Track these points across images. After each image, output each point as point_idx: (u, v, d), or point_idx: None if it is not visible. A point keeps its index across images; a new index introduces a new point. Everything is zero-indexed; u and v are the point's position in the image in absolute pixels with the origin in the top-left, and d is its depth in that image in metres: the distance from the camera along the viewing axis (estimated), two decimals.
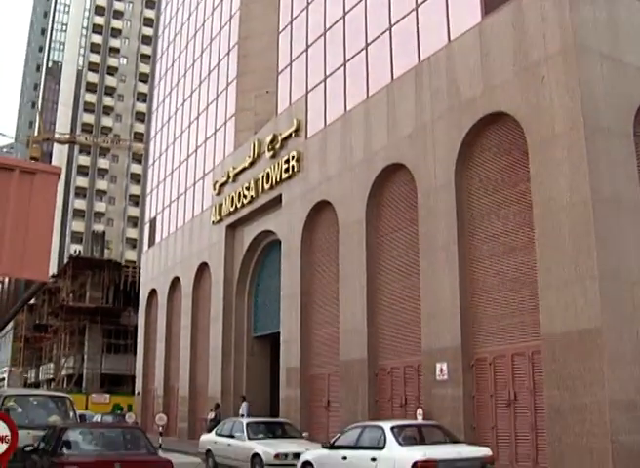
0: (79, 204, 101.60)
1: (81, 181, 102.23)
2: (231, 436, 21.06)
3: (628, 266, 16.52)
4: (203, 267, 39.02)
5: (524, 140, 18.58)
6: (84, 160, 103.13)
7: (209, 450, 22.18)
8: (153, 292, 47.21)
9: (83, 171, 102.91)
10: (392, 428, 14.85)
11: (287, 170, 30.02)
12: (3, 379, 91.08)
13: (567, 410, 16.12)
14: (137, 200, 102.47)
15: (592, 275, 16.01)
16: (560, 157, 17.21)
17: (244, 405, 32.62)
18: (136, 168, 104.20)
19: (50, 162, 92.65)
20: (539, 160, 17.86)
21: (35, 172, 9.81)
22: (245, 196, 33.82)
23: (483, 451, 14.67)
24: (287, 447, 19.40)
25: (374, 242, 24.48)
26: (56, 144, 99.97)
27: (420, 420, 19.60)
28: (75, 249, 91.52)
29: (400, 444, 14.34)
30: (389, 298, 23.53)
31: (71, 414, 18.19)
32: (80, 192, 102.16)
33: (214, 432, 22.88)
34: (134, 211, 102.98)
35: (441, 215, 20.96)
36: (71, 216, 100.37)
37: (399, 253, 23.35)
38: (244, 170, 34.54)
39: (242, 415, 31.56)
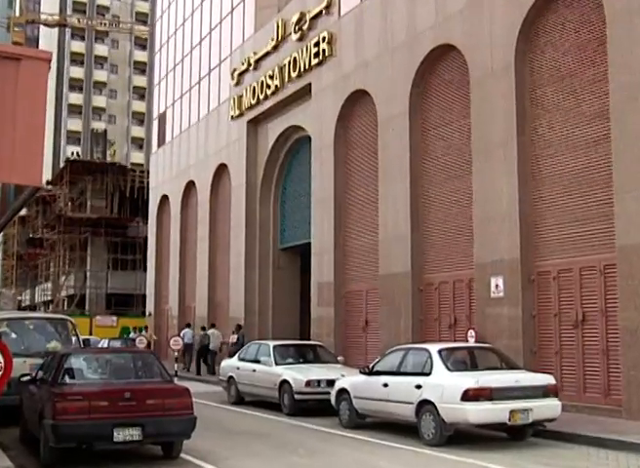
0: (75, 98, 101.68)
1: (76, 72, 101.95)
2: (256, 361, 21.39)
3: None
4: (221, 169, 39.12)
5: (601, 13, 18.02)
6: (78, 46, 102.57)
7: (231, 377, 22.60)
8: (164, 200, 47.60)
9: (77, 59, 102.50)
10: (440, 351, 15.00)
11: (317, 54, 29.61)
12: None
13: None
14: (142, 93, 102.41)
15: None
16: None
17: (187, 331, 36.21)
18: (139, 55, 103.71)
19: (37, 48, 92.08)
20: (618, 36, 17.31)
21: (20, 58, 9.65)
22: (268, 86, 33.52)
23: (545, 380, 14.80)
24: (320, 373, 19.67)
25: (418, 138, 24.26)
26: (42, 27, 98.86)
27: (471, 343, 19.80)
28: (72, 151, 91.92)
29: (449, 369, 14.50)
30: (437, 203, 23.46)
31: (73, 339, 18.42)
32: (75, 84, 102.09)
33: (236, 357, 23.26)
34: (139, 105, 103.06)
35: (498, 107, 20.62)
36: (66, 113, 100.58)
37: (448, 151, 23.15)
38: (267, 55, 34.17)
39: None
